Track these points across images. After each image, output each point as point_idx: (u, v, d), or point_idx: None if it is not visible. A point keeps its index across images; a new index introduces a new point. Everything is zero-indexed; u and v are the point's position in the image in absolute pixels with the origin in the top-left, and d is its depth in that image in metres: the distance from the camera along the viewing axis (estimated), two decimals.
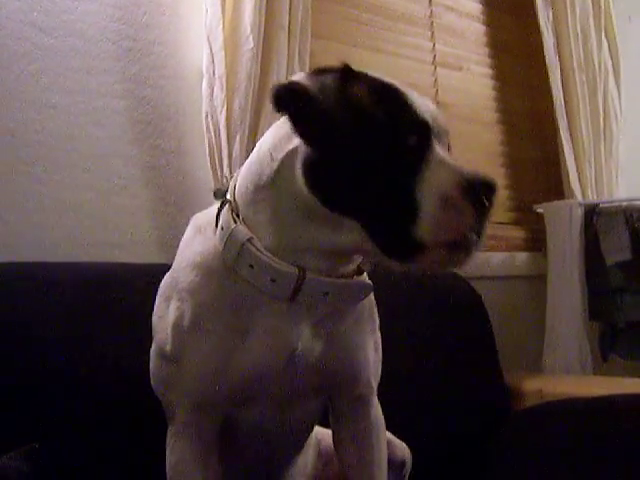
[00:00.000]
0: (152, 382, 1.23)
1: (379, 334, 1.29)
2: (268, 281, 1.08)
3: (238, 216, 1.13)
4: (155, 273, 1.83)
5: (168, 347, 1.16)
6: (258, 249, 1.09)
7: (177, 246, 2.06)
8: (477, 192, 1.00)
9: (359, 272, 1.17)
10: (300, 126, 1.03)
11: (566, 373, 2.81)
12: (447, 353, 2.15)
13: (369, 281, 1.18)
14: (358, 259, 1.16)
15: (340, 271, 1.13)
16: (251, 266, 1.09)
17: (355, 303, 1.18)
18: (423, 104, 1.07)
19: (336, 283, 1.11)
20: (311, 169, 1.04)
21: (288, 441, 1.34)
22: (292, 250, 1.09)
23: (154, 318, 1.24)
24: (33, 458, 1.35)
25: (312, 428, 1.39)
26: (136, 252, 2.02)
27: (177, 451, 1.18)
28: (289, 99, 1.03)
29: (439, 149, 1.04)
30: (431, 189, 0.99)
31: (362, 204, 1.02)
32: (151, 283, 1.77)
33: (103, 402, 1.57)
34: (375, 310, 1.28)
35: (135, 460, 1.56)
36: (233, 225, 1.11)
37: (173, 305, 1.17)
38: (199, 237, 1.21)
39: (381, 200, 1.01)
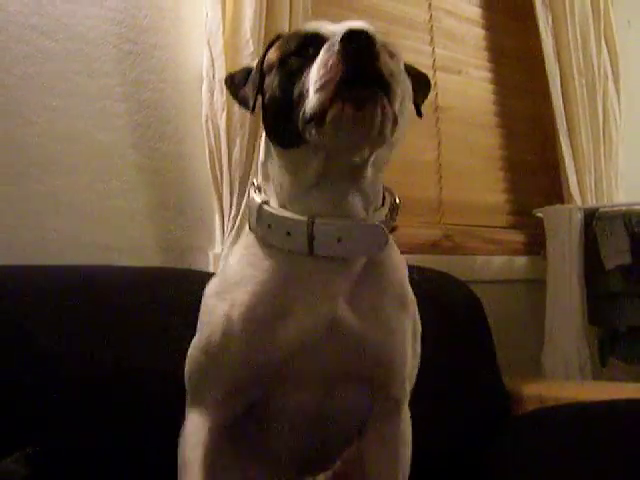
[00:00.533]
0: (186, 372, 1.26)
1: (419, 342, 1.31)
2: (284, 236, 1.17)
3: (260, 191, 1.25)
4: (154, 276, 1.85)
5: (216, 337, 1.18)
6: (271, 207, 1.20)
7: (177, 249, 2.09)
8: (338, 41, 1.03)
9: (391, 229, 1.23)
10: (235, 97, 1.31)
11: (565, 378, 2.81)
12: (446, 357, 2.15)
13: (382, 225, 1.20)
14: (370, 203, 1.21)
15: (357, 216, 1.18)
16: (269, 226, 1.19)
17: (372, 250, 1.20)
18: (327, 26, 1.15)
19: (346, 225, 1.16)
20: (264, 125, 1.22)
21: (331, 436, 1.32)
22: (299, 202, 1.18)
23: (202, 315, 1.26)
24: (33, 462, 1.35)
25: (356, 431, 1.33)
26: (135, 255, 2.02)
27: (197, 433, 1.20)
28: (226, 83, 1.35)
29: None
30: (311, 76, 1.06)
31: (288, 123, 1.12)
32: (150, 286, 1.79)
33: (104, 405, 1.56)
34: (418, 318, 1.31)
35: (136, 463, 1.56)
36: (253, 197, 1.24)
37: (222, 298, 1.21)
38: (242, 238, 1.30)
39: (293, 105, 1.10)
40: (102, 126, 2.02)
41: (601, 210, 2.95)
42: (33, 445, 1.38)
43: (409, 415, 1.31)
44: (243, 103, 1.26)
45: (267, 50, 1.24)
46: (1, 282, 1.62)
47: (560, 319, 2.91)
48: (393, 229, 1.24)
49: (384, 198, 1.25)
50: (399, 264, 1.29)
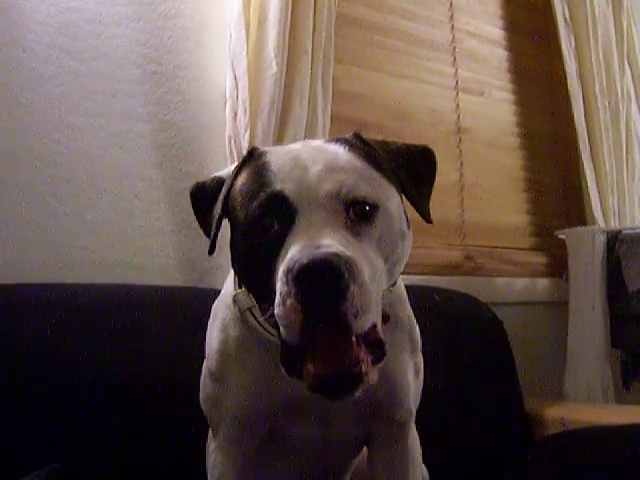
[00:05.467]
0: (200, 399, 1.27)
1: (420, 356, 1.29)
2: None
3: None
4: (175, 296, 1.85)
5: (214, 369, 1.21)
6: (255, 318, 1.15)
7: (198, 269, 2.09)
8: (297, 280, 0.91)
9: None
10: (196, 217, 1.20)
11: (588, 400, 2.78)
12: (468, 379, 2.14)
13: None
14: None
15: None
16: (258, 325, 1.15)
17: None
18: (294, 180, 1.02)
19: None
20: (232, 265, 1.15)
21: (335, 457, 1.35)
22: None
23: (207, 339, 1.27)
24: (53, 479, 1.36)
25: (361, 448, 1.37)
26: (157, 274, 2.03)
27: (219, 466, 1.22)
28: (191, 197, 1.21)
29: (301, 223, 0.99)
30: (279, 278, 0.95)
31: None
32: (171, 305, 1.80)
33: (124, 424, 1.57)
34: (416, 331, 1.28)
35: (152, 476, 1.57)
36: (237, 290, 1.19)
37: (217, 331, 1.22)
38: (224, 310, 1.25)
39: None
40: (125, 146, 2.04)
41: (624, 232, 2.92)
42: (53, 462, 1.39)
43: (416, 434, 1.31)
44: (203, 229, 1.19)
45: (237, 173, 1.13)
46: (25, 300, 1.64)
47: (582, 342, 2.88)
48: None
49: None
50: (406, 313, 1.27)
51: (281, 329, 0.95)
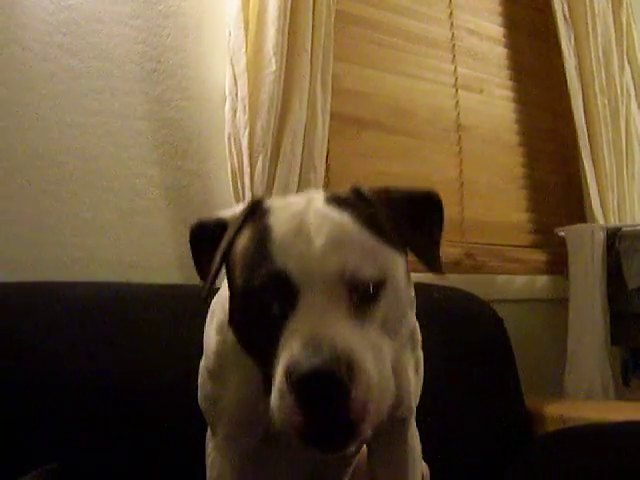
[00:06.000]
0: (199, 398, 1.26)
1: (421, 352, 1.28)
2: None
3: None
4: (176, 293, 1.85)
5: (212, 369, 1.21)
6: None
7: None
8: (297, 388, 0.89)
9: None
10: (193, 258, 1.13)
11: (588, 398, 2.79)
12: (468, 376, 2.14)
13: None
14: None
15: None
16: None
17: None
18: (296, 256, 0.97)
19: None
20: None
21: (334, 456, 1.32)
22: None
23: (204, 339, 1.26)
24: (55, 477, 1.36)
25: (361, 445, 1.35)
26: (157, 273, 2.03)
27: (217, 465, 1.22)
28: (191, 235, 1.14)
29: (303, 307, 0.95)
30: (276, 372, 0.93)
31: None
32: (171, 303, 1.80)
33: (124, 422, 1.58)
34: (417, 327, 1.27)
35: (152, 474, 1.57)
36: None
37: (214, 332, 1.21)
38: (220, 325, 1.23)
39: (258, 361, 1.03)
40: (125, 144, 2.04)
41: (624, 229, 2.92)
42: (52, 462, 1.39)
43: (416, 431, 1.31)
44: (198, 270, 1.13)
45: (239, 227, 1.07)
46: (23, 298, 1.64)
47: (582, 339, 2.88)
48: None
49: None
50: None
51: (276, 416, 0.93)
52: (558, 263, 3.10)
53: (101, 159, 2.00)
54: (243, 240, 1.05)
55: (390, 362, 1.00)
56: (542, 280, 3.10)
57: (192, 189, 2.14)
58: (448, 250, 2.77)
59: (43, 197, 1.89)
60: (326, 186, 2.40)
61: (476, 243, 2.91)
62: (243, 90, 2.10)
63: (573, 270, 2.97)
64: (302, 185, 2.17)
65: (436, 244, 1.11)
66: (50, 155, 1.92)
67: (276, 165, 2.11)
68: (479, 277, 2.80)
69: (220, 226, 1.10)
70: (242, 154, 2.09)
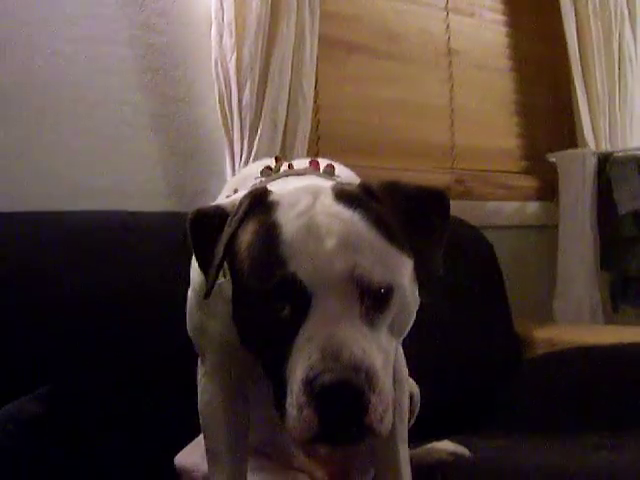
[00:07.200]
0: (187, 326, 1.27)
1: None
2: None
3: None
4: (163, 220, 1.85)
5: (199, 298, 1.20)
6: None
7: (187, 194, 2.09)
8: (319, 399, 0.90)
9: None
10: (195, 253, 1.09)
11: (577, 322, 2.82)
12: (457, 301, 2.15)
13: None
14: None
15: None
16: None
17: None
18: (308, 259, 0.95)
19: None
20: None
21: None
22: None
23: (191, 269, 1.25)
24: (48, 401, 1.37)
25: None
26: (145, 201, 2.02)
27: (208, 391, 1.24)
28: (190, 225, 1.07)
29: (317, 313, 0.94)
30: (291, 380, 0.93)
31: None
32: (161, 231, 1.79)
33: (118, 345, 1.61)
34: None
35: (147, 402, 1.60)
36: None
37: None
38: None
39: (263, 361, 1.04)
40: (110, 71, 2.01)
41: (615, 155, 2.91)
42: (50, 383, 1.41)
43: (402, 353, 1.31)
44: (199, 263, 1.09)
45: (242, 219, 1.03)
46: (13, 228, 1.65)
47: (572, 264, 2.90)
48: None
49: None
50: None
51: (291, 425, 0.93)
52: (548, 189, 3.10)
53: (85, 87, 1.96)
54: (248, 235, 1.02)
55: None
56: (532, 206, 3.10)
57: (179, 115, 2.12)
58: (438, 177, 2.76)
59: (27, 127, 1.87)
60: (315, 113, 2.38)
61: (466, 169, 2.90)
62: (229, 13, 2.06)
63: (563, 196, 2.97)
64: (291, 110, 2.14)
65: (439, 246, 1.09)
66: (33, 83, 1.88)
67: (264, 91, 2.08)
68: (469, 203, 2.80)
69: (220, 216, 1.06)
70: (229, 79, 2.06)
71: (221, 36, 2.08)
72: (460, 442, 1.64)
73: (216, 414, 1.23)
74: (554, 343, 2.22)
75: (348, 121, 2.57)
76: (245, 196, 1.05)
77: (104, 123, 1.99)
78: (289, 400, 0.92)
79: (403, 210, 1.04)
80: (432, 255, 1.07)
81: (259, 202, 1.04)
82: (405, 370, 1.33)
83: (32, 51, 1.88)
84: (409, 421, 1.37)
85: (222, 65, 2.08)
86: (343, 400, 0.89)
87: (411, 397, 1.46)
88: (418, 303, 1.09)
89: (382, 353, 0.96)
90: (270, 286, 0.95)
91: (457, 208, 2.53)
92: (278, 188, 1.08)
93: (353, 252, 0.95)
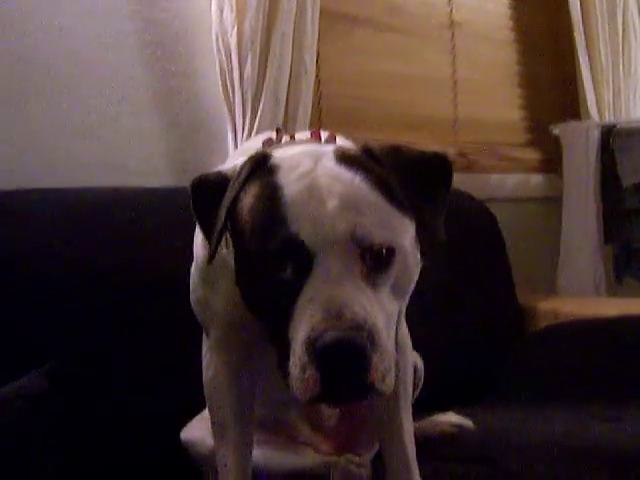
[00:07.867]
0: (191, 301, 1.28)
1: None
2: None
3: None
4: (167, 196, 1.84)
5: (203, 274, 1.22)
6: None
7: (189, 169, 2.08)
8: (321, 358, 0.91)
9: None
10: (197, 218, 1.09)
11: (580, 295, 2.82)
12: (461, 274, 2.16)
13: None
14: None
15: None
16: None
17: None
18: (309, 220, 0.96)
19: None
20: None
21: None
22: None
23: (194, 245, 1.25)
24: (53, 376, 1.38)
25: None
26: (148, 177, 2.01)
27: (212, 366, 1.25)
28: (192, 191, 1.08)
29: (318, 273, 0.95)
30: (294, 341, 0.94)
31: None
32: (163, 206, 1.79)
33: (122, 321, 1.61)
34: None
35: (152, 376, 1.61)
36: None
37: (203, 242, 1.18)
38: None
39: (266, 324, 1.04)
40: (111, 46, 1.99)
41: (619, 126, 2.90)
42: (55, 358, 1.42)
43: (405, 324, 1.31)
44: (202, 228, 1.09)
45: (244, 182, 1.04)
46: (16, 205, 1.65)
47: (576, 237, 2.90)
48: None
49: None
50: None
51: (294, 386, 0.94)
52: (552, 161, 3.10)
53: (86, 61, 1.95)
54: (250, 198, 1.03)
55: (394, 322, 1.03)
56: (536, 178, 3.10)
57: (180, 90, 2.10)
58: (441, 149, 2.73)
59: (27, 102, 1.86)
60: (317, 87, 2.37)
61: (469, 142, 2.89)
62: None
63: (567, 168, 2.97)
64: (293, 85, 2.13)
65: (441, 211, 1.08)
66: (35, 58, 1.87)
67: (265, 65, 2.07)
68: (472, 176, 2.79)
69: (222, 180, 1.07)
70: (230, 54, 2.05)
71: (221, 10, 2.06)
72: (464, 414, 1.65)
73: (221, 388, 1.24)
74: (557, 315, 2.23)
75: (350, 94, 2.56)
76: (246, 161, 1.05)
77: (106, 99, 1.97)
78: (292, 360, 0.93)
79: (405, 173, 1.04)
80: (434, 218, 1.06)
81: (260, 166, 1.04)
82: (409, 341, 1.33)
83: (33, 26, 1.86)
84: (413, 394, 1.37)
85: (223, 40, 2.06)
86: (345, 358, 0.90)
87: (415, 370, 1.46)
88: (420, 266, 1.09)
89: (384, 313, 0.97)
90: (272, 247, 0.96)
91: (460, 181, 2.54)
92: (279, 153, 1.09)
93: (354, 213, 0.96)
